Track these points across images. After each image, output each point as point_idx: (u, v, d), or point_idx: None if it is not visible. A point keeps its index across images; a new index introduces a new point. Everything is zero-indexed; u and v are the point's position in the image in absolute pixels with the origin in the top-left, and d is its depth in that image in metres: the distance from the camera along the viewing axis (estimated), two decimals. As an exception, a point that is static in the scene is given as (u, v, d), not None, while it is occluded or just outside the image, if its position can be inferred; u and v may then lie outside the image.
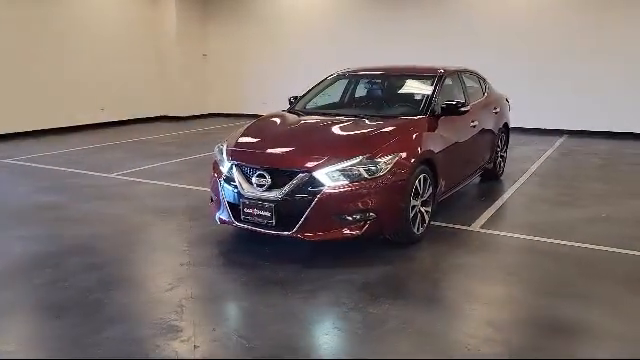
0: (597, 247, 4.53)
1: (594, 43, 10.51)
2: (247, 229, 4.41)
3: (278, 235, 4.27)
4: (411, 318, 3.32)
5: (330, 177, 4.11)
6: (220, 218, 4.63)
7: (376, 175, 4.15)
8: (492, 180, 6.93)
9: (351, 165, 4.14)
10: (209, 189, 4.94)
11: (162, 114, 14.66)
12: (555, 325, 3.22)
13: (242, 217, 4.36)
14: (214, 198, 4.78)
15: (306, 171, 4.14)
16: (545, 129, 11.26)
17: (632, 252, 4.42)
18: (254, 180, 4.30)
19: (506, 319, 3.35)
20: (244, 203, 4.31)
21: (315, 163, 4.17)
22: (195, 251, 4.54)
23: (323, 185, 4.09)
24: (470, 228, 5.08)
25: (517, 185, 6.74)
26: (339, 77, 6.15)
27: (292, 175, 4.18)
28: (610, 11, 10.31)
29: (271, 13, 14.25)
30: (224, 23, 14.90)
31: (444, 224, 5.17)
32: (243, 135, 4.91)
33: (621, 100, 10.43)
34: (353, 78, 6.16)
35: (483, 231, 5.02)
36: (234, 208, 4.45)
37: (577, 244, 4.62)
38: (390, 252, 4.42)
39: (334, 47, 13.20)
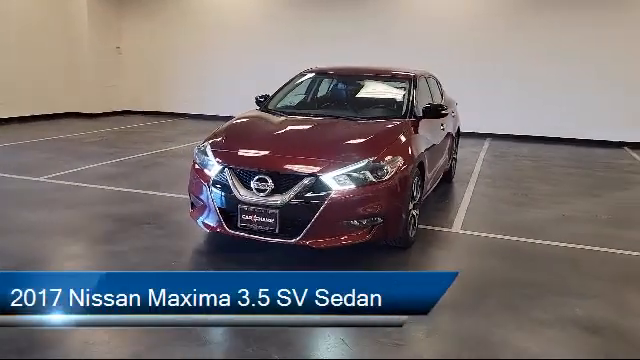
0: (576, 246, 4.77)
1: (516, 47, 11.18)
2: (243, 237, 4.09)
3: (281, 243, 4.02)
4: (458, 328, 3.27)
5: (337, 181, 3.94)
6: (207, 225, 4.26)
7: (382, 179, 4.04)
8: (445, 182, 7.09)
9: (358, 169, 4.00)
10: (189, 194, 4.54)
11: (70, 110, 13.43)
12: (587, 325, 3.33)
13: (239, 224, 4.04)
14: (198, 204, 4.40)
15: (312, 175, 3.94)
16: (469, 132, 11.82)
17: (608, 250, 4.71)
18: (254, 185, 4.00)
19: (548, 321, 3.38)
20: (242, 209, 4.00)
21: (321, 167, 3.99)
22: (185, 263, 4.14)
23: (330, 189, 3.91)
24: (452, 230, 5.15)
25: (471, 187, 6.97)
26: (308, 76, 5.95)
27: (297, 179, 3.95)
28: (537, 16, 11.00)
29: (192, 6, 13.62)
30: (141, 15, 13.99)
31: (424, 226, 5.17)
32: (229, 136, 4.57)
33: (540, 104, 11.20)
34: (324, 78, 5.99)
35: (464, 232, 5.10)
36: (227, 215, 4.13)
37: (554, 243, 4.83)
38: (389, 258, 4.33)
39: (260, 44, 12.90)
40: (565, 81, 10.97)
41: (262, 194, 3.97)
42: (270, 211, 3.94)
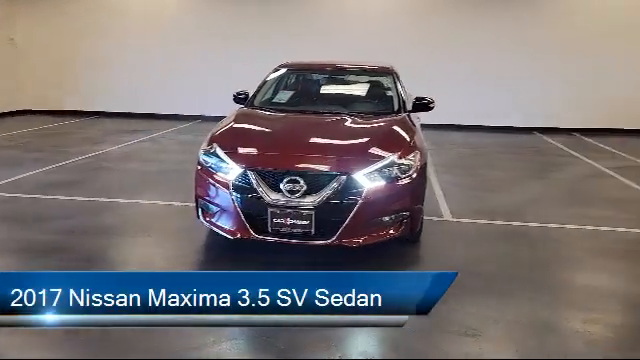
0: (553, 225, 5.16)
1: (437, 39, 11.80)
2: (273, 241, 3.92)
3: (315, 245, 3.92)
4: (518, 312, 3.41)
5: (369, 178, 3.91)
6: (228, 230, 4.01)
7: (407, 174, 4.08)
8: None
9: (386, 165, 4.00)
10: (198, 199, 4.23)
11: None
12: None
13: (271, 228, 3.86)
14: (211, 209, 4.13)
15: (345, 173, 3.87)
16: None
17: (591, 227, 5.13)
18: (284, 186, 3.83)
19: (607, 296, 3.66)
20: (273, 213, 3.83)
21: (352, 165, 3.93)
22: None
23: (363, 187, 3.87)
24: (444, 219, 5.33)
25: (433, 175, 7.21)
26: (284, 71, 5.74)
27: (329, 178, 3.86)
28: (465, 12, 11.73)
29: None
30: (37, 3, 12.62)
31: (418, 216, 5.29)
32: (239, 137, 4.33)
33: (462, 96, 11.86)
34: (303, 73, 5.87)
35: (457, 220, 5.30)
36: (253, 219, 3.92)
37: (543, 225, 5.17)
38: (404, 251, 4.39)
39: (172, 37, 12.37)
40: (481, 74, 11.80)
41: (294, 195, 3.82)
42: (305, 213, 3.81)
